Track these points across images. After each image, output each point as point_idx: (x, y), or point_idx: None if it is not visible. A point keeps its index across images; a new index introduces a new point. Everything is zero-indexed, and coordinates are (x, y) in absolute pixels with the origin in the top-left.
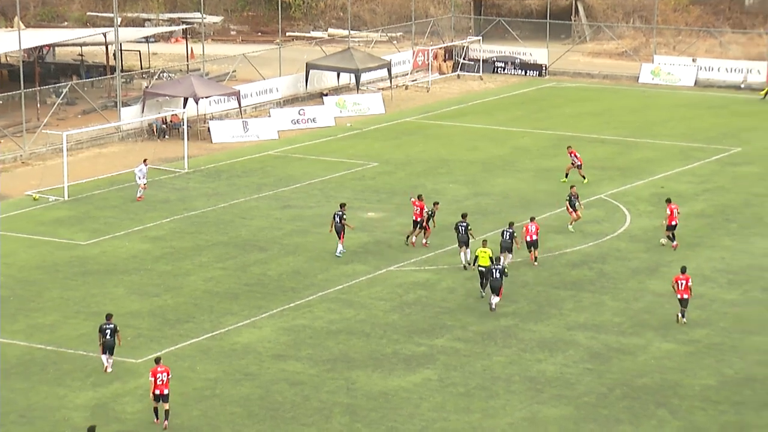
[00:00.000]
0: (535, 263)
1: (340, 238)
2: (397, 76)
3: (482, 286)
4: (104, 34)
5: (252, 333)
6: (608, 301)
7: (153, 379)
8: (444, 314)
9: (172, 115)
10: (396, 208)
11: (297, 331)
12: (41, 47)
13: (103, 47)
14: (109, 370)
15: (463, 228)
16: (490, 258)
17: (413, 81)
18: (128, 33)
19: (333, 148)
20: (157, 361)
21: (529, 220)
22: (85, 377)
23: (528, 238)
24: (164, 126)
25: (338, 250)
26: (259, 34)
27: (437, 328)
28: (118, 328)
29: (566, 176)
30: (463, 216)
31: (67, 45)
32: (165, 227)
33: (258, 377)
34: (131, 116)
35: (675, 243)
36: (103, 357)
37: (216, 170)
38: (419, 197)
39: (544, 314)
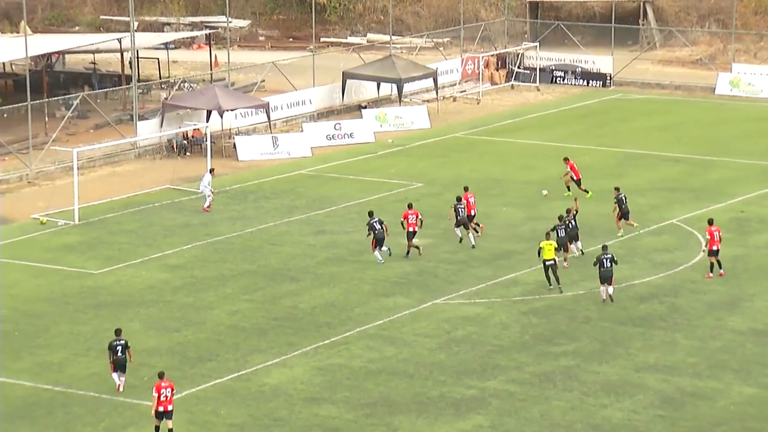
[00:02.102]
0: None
1: (379, 247)
2: (444, 87)
3: (548, 280)
4: (119, 40)
5: (282, 373)
6: (681, 340)
7: (156, 395)
8: (496, 353)
9: (194, 129)
10: (443, 233)
11: (332, 371)
12: (50, 54)
13: (118, 54)
14: (121, 389)
15: (461, 209)
16: (556, 249)
17: (462, 92)
18: (146, 39)
19: (372, 167)
20: (161, 375)
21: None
22: (97, 422)
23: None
24: (185, 142)
25: (379, 258)
26: (291, 39)
27: (489, 368)
28: (129, 344)
29: (569, 189)
30: (459, 197)
31: (79, 52)
32: (186, 255)
33: (289, 423)
34: (149, 131)
35: (721, 272)
36: (114, 375)
37: (242, 191)
38: (409, 206)
39: (609, 354)
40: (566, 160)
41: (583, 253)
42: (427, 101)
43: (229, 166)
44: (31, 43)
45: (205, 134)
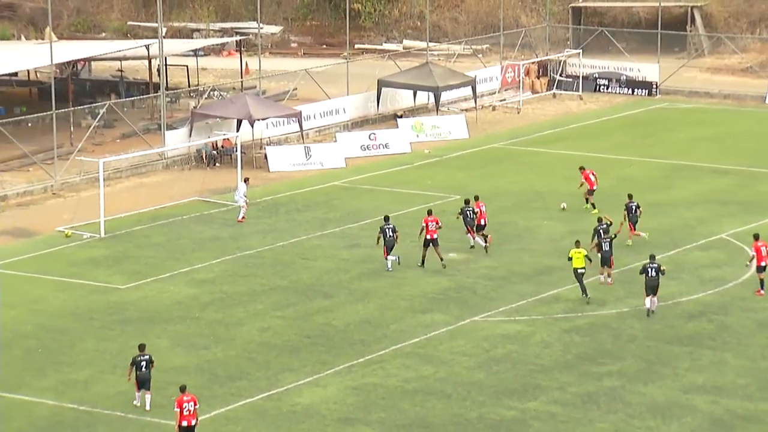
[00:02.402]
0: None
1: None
2: (482, 95)
3: (583, 291)
4: (147, 47)
5: (315, 392)
6: (731, 360)
7: (179, 409)
8: (538, 373)
9: (224, 139)
10: (481, 248)
11: (367, 390)
12: (75, 62)
13: (146, 61)
14: (147, 407)
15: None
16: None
17: (502, 101)
18: (174, 45)
19: (408, 179)
20: (183, 389)
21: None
22: None
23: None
24: (215, 152)
25: (389, 266)
26: (324, 46)
27: (530, 388)
28: (153, 359)
29: (587, 201)
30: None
31: (105, 59)
32: (215, 269)
33: None
34: (177, 141)
35: (761, 291)
36: (138, 394)
37: (273, 203)
38: (429, 212)
39: (656, 374)
40: (582, 169)
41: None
42: (466, 110)
43: (260, 178)
44: (56, 50)
45: (236, 144)
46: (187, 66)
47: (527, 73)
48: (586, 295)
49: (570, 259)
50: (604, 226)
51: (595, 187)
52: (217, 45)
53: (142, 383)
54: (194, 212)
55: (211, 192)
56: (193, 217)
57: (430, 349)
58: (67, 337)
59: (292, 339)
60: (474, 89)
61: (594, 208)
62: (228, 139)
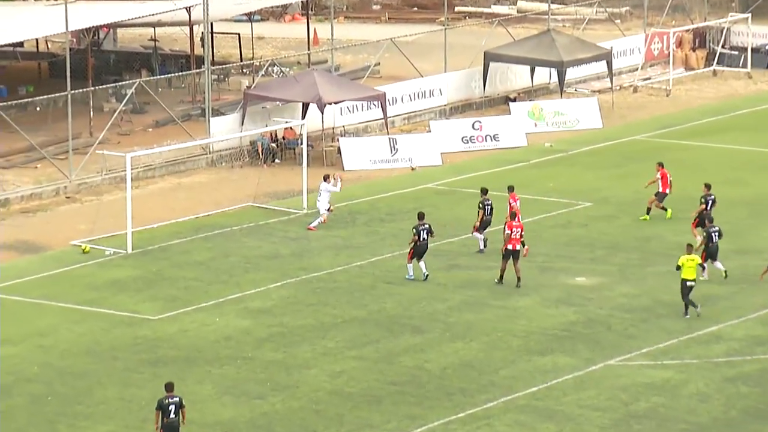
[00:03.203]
0: None
1: (417, 259)
2: (621, 73)
3: (689, 305)
4: (188, 9)
5: None
6: None
7: None
8: None
9: (286, 129)
10: (619, 270)
11: None
12: (97, 28)
13: (186, 29)
14: None
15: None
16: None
17: (646, 80)
18: (223, 8)
19: (523, 180)
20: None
21: None
22: None
23: None
24: (274, 145)
25: (415, 272)
26: (415, 9)
27: None
28: (183, 402)
29: (648, 212)
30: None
31: (135, 25)
32: (273, 295)
33: None
34: (226, 130)
35: None
36: None
37: (349, 212)
38: (513, 216)
39: None
40: (660, 166)
41: (726, 275)
42: (598, 92)
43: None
44: (72, 14)
45: (301, 135)
46: (238, 34)
47: (679, 44)
48: (688, 313)
49: (679, 268)
50: (717, 228)
51: (668, 191)
52: (278, 7)
53: None
54: (247, 222)
55: (269, 196)
56: (246, 228)
57: (552, 401)
58: (84, 381)
59: (373, 387)
60: (609, 65)
61: (666, 210)
62: (291, 128)
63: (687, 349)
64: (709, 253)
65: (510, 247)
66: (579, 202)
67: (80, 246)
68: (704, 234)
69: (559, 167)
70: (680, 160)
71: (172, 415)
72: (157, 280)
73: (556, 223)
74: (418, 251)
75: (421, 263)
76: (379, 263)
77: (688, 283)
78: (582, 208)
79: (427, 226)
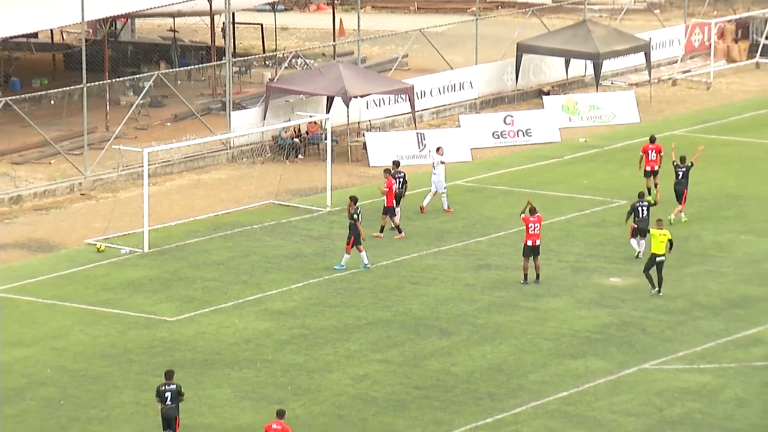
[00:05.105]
0: None
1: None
2: (660, 65)
3: (652, 283)
4: None
5: None
6: None
7: None
8: None
9: (310, 123)
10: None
11: None
12: (114, 18)
13: (207, 19)
14: None
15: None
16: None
17: (685, 72)
18: None
19: (557, 177)
20: (280, 414)
21: None
22: None
23: None
24: (297, 140)
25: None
26: None
27: None
28: (182, 390)
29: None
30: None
31: (153, 15)
32: (295, 296)
33: None
34: (247, 124)
35: None
36: None
37: (375, 209)
38: (532, 212)
39: None
40: (652, 142)
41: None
42: (636, 85)
43: (357, 174)
44: (89, 3)
45: (325, 129)
46: (261, 25)
47: (721, 36)
48: (656, 290)
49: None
50: (647, 202)
51: (657, 168)
52: None
53: (168, 422)
54: (268, 220)
55: (292, 193)
56: (267, 226)
57: (584, 406)
58: (99, 385)
59: (398, 391)
60: (648, 57)
61: (649, 193)
62: (315, 122)
63: (725, 353)
64: (639, 228)
65: (530, 243)
66: (614, 200)
67: (95, 245)
68: (629, 208)
69: (594, 163)
70: (721, 157)
71: (168, 402)
72: (174, 281)
73: (590, 221)
74: (357, 239)
75: (363, 253)
76: (405, 263)
77: (658, 258)
78: (617, 206)
79: (401, 174)
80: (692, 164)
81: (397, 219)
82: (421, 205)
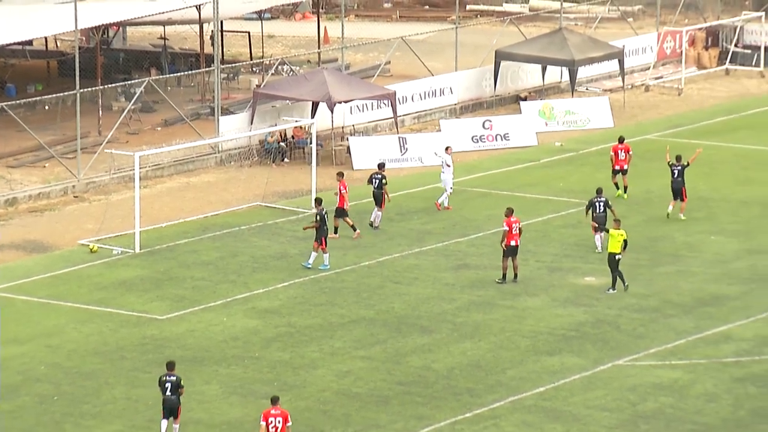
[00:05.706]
0: None
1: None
2: (633, 72)
3: (619, 276)
4: (198, 8)
5: None
6: None
7: (264, 423)
8: None
9: (295, 127)
10: (629, 270)
11: None
12: (106, 27)
13: (196, 27)
14: None
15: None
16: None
17: (658, 79)
18: (233, 6)
19: (534, 180)
20: (274, 401)
21: None
22: None
23: None
24: (283, 144)
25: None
26: (426, 7)
27: None
28: (182, 382)
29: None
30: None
31: (144, 23)
32: (281, 295)
33: None
34: (235, 129)
35: None
36: (163, 423)
37: (357, 211)
38: (508, 212)
39: None
40: (619, 140)
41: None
42: (610, 91)
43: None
44: (82, 12)
45: (310, 134)
46: (248, 32)
47: (692, 43)
48: (614, 288)
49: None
50: (604, 199)
51: (626, 167)
52: (288, 5)
53: (168, 410)
54: (256, 221)
55: (278, 196)
56: (255, 227)
57: (560, 401)
58: (92, 381)
59: (380, 387)
60: (621, 64)
61: (618, 189)
62: (301, 127)
63: (695, 350)
64: (598, 223)
65: (513, 243)
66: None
67: (88, 245)
68: (587, 203)
69: (570, 167)
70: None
71: (168, 393)
72: (164, 280)
73: (566, 222)
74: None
75: (314, 253)
76: (387, 263)
77: (617, 257)
78: None
79: (380, 176)
80: (688, 164)
81: (349, 219)
82: (437, 202)
